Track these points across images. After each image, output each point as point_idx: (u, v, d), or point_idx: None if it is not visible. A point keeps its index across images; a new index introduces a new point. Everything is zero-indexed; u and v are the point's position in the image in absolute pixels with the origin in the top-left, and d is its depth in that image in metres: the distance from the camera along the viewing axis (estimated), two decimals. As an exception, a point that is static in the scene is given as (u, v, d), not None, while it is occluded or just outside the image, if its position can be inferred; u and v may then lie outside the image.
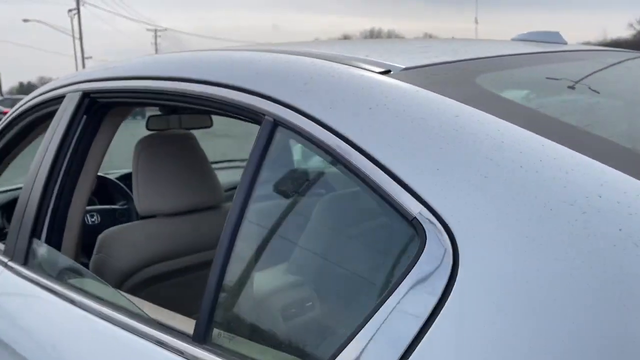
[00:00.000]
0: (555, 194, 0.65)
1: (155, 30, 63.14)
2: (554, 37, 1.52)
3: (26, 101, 1.69)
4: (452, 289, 0.65)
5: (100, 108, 1.38)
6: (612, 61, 1.43)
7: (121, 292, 1.18)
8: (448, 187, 0.70)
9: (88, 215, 2.48)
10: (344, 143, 0.78)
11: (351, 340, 0.71)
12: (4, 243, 1.48)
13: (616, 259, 0.59)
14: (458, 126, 0.74)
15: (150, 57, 1.38)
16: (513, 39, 1.56)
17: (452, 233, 0.67)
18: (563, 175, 0.66)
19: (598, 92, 1.17)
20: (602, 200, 0.62)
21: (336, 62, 0.94)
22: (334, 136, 0.80)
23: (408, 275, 0.69)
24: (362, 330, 0.70)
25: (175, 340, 0.92)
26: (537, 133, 0.72)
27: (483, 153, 0.70)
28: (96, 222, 2.51)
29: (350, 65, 0.92)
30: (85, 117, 1.36)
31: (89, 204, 1.91)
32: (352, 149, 0.77)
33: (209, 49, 1.50)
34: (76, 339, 1.14)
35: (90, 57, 54.73)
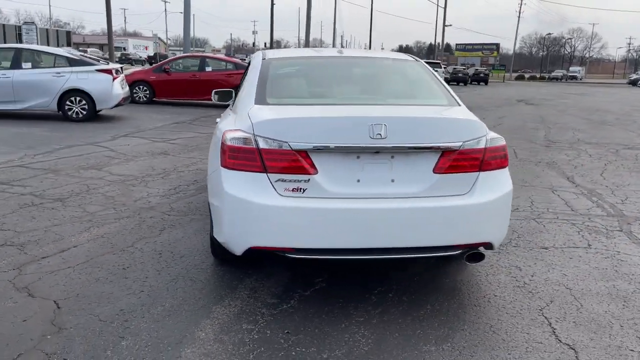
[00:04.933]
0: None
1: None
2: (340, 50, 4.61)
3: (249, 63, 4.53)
4: None
5: (270, 60, 4.06)
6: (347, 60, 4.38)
7: None
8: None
9: None
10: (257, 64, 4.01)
11: None
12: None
13: None
14: (258, 71, 3.83)
15: (279, 50, 4.97)
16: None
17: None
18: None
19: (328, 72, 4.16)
20: None
21: (260, 55, 4.19)
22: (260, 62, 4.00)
23: None
24: None
25: None
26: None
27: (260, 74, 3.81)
28: None
29: (264, 57, 4.07)
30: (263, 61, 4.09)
31: None
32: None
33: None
34: None
35: (450, 25, 62.27)
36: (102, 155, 8.01)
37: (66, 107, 11.34)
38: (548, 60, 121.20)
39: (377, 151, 3.01)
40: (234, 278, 3.65)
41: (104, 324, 2.98)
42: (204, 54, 17.29)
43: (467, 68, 50.89)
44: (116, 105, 11.91)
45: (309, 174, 2.98)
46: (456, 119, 3.25)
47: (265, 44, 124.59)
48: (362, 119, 3.02)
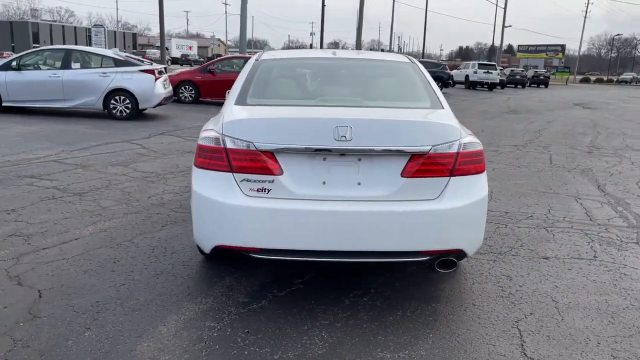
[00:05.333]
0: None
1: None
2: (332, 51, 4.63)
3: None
4: None
5: (262, 61, 4.05)
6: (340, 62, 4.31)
7: None
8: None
9: None
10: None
11: None
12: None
13: None
14: (247, 72, 3.84)
15: (278, 51, 4.56)
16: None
17: None
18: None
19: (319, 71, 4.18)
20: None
21: (254, 57, 4.18)
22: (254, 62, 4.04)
23: None
24: None
25: None
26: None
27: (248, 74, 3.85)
28: None
29: (257, 59, 4.08)
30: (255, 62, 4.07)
31: None
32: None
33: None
34: None
35: (510, 26, 60.69)
36: (134, 152, 8.29)
37: (111, 106, 11.83)
38: (618, 63, 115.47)
39: (342, 153, 2.98)
40: (215, 275, 3.70)
41: (76, 315, 3.10)
42: (248, 55, 17.63)
43: (525, 70, 49.28)
44: (158, 105, 12.29)
45: (274, 174, 2.98)
46: (426, 122, 3.17)
47: (321, 45, 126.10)
48: (328, 121, 3.00)
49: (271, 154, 2.99)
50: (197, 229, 3.16)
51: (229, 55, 19.09)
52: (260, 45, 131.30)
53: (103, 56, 12.12)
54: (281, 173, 2.99)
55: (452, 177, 3.04)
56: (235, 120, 3.11)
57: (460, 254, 3.13)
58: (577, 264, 4.13)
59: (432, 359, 2.75)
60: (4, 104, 11.78)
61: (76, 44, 68.08)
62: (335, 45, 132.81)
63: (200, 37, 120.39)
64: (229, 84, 15.81)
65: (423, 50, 61.03)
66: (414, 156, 3.00)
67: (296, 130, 3.00)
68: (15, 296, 3.31)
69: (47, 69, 11.95)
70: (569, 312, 3.31)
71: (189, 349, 2.78)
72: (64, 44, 65.68)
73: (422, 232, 2.98)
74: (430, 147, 3.00)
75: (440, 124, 3.13)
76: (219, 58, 18.02)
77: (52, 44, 63.67)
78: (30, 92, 11.69)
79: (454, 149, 3.04)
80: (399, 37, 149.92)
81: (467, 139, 3.13)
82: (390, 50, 72.67)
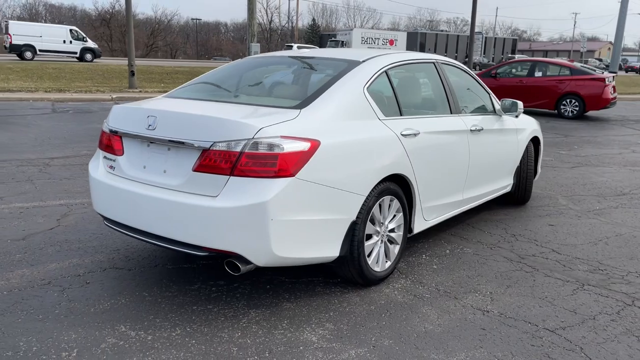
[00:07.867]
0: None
1: None
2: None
3: None
4: None
5: (238, 60, 5.24)
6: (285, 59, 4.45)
7: None
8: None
9: None
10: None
11: None
12: None
13: None
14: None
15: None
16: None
17: None
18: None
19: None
20: None
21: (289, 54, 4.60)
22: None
23: None
24: None
25: None
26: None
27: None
28: None
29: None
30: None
31: None
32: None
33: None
34: None
35: None
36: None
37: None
38: None
39: (152, 141, 3.22)
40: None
41: (41, 244, 4.19)
42: (538, 59, 16.21)
43: None
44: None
45: (117, 155, 3.45)
46: (214, 117, 3.03)
47: None
48: (144, 111, 3.28)
49: (119, 137, 3.46)
50: None
51: (517, 59, 17.76)
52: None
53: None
54: (122, 154, 3.42)
55: (231, 177, 2.92)
56: (114, 106, 3.68)
57: (242, 259, 2.95)
58: (525, 332, 3.03)
59: (146, 343, 2.79)
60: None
61: (456, 51, 72.70)
62: None
63: (596, 41, 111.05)
64: (510, 89, 16.20)
65: None
66: (204, 151, 3.00)
67: (127, 117, 3.40)
68: (42, 225, 4.65)
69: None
70: (352, 363, 2.65)
71: (36, 280, 3.52)
72: (445, 51, 71.10)
73: (200, 227, 2.97)
74: (211, 142, 2.95)
75: (229, 120, 2.98)
76: (504, 62, 17.11)
77: (435, 51, 69.49)
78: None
79: (238, 148, 2.90)
80: None
81: (265, 140, 2.90)
82: None
